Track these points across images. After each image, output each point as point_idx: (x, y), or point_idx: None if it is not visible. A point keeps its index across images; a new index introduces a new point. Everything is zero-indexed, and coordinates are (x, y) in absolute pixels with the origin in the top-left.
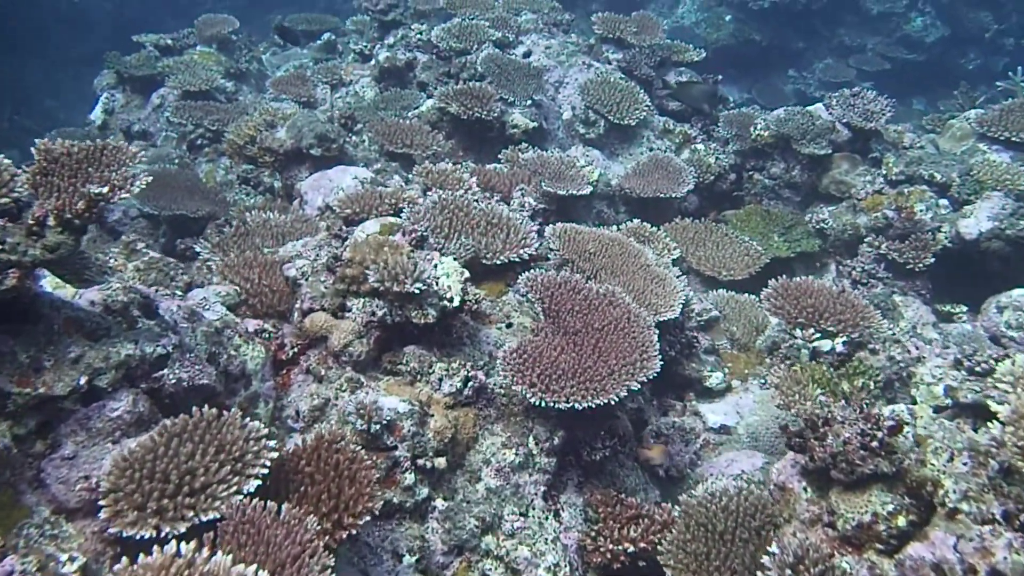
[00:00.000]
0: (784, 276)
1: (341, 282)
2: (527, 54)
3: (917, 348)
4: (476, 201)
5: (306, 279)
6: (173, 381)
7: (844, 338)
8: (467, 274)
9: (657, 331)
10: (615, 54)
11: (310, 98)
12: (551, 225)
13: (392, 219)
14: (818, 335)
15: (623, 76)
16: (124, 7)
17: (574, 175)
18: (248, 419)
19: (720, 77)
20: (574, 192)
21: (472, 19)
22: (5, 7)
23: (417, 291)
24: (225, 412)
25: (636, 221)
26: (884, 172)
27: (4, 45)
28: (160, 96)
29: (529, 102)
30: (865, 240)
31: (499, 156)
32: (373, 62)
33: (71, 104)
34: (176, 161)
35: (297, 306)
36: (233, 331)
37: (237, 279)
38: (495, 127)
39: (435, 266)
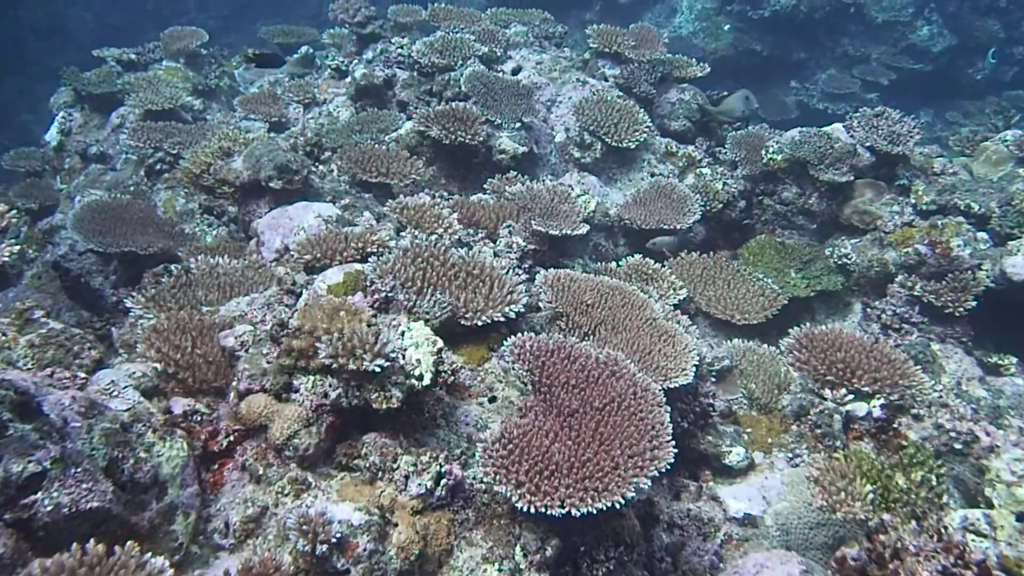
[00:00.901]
0: (806, 322)
1: (287, 356)
2: (516, 70)
3: (989, 435)
4: (455, 247)
5: (246, 350)
6: (49, 508)
7: (881, 400)
8: (440, 343)
9: (667, 402)
10: (612, 70)
11: (281, 118)
12: (542, 272)
13: (358, 266)
14: (851, 396)
15: (621, 94)
16: (104, 17)
17: (568, 211)
18: (150, 555)
19: (727, 93)
20: (568, 232)
21: (456, 32)
22: None
23: (378, 368)
24: (119, 547)
25: (638, 256)
26: (913, 201)
27: None
28: (120, 116)
29: (518, 124)
30: (895, 279)
31: (485, 186)
32: (349, 79)
33: (47, 119)
34: (132, 188)
35: (234, 385)
36: (146, 424)
37: (166, 347)
38: (481, 152)
39: (402, 333)
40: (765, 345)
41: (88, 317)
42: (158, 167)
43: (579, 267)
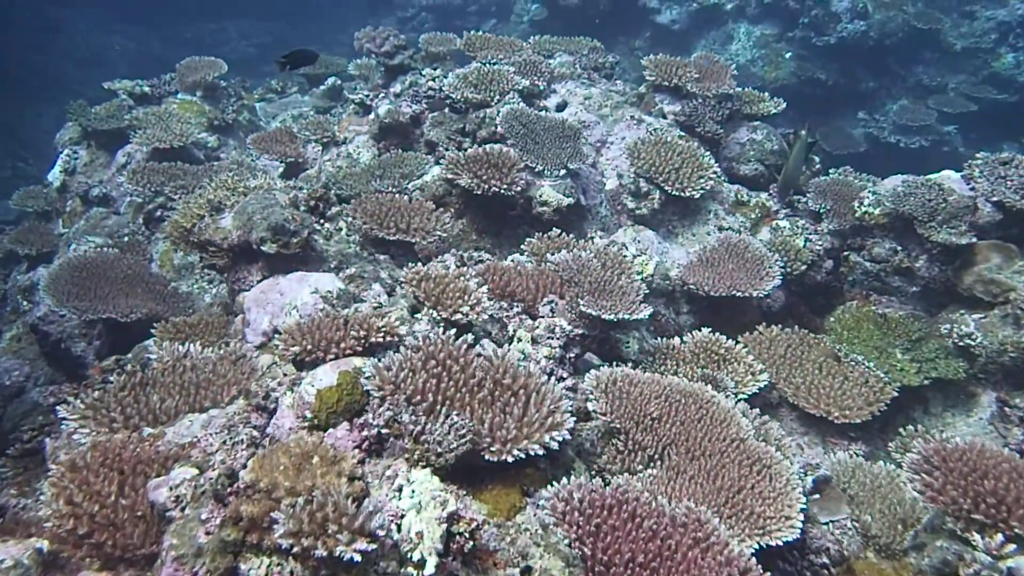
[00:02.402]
0: (918, 418)
1: (232, 526)
2: (562, 106)
3: None
4: (482, 335)
5: (182, 509)
6: None
7: None
8: (452, 504)
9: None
10: (672, 106)
11: (298, 158)
12: (593, 372)
13: (359, 362)
14: (1012, 547)
15: (683, 134)
16: (145, 47)
17: (624, 287)
18: None
19: (804, 132)
20: (625, 316)
21: (494, 63)
22: (18, 54)
23: (358, 557)
24: None
25: (705, 331)
26: None
27: (16, 92)
28: (126, 154)
29: (563, 171)
30: None
31: (523, 246)
32: (372, 116)
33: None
34: (126, 238)
35: (157, 565)
36: None
37: (82, 496)
38: (519, 204)
39: (399, 489)
40: (879, 462)
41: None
42: (158, 214)
43: (635, 342)
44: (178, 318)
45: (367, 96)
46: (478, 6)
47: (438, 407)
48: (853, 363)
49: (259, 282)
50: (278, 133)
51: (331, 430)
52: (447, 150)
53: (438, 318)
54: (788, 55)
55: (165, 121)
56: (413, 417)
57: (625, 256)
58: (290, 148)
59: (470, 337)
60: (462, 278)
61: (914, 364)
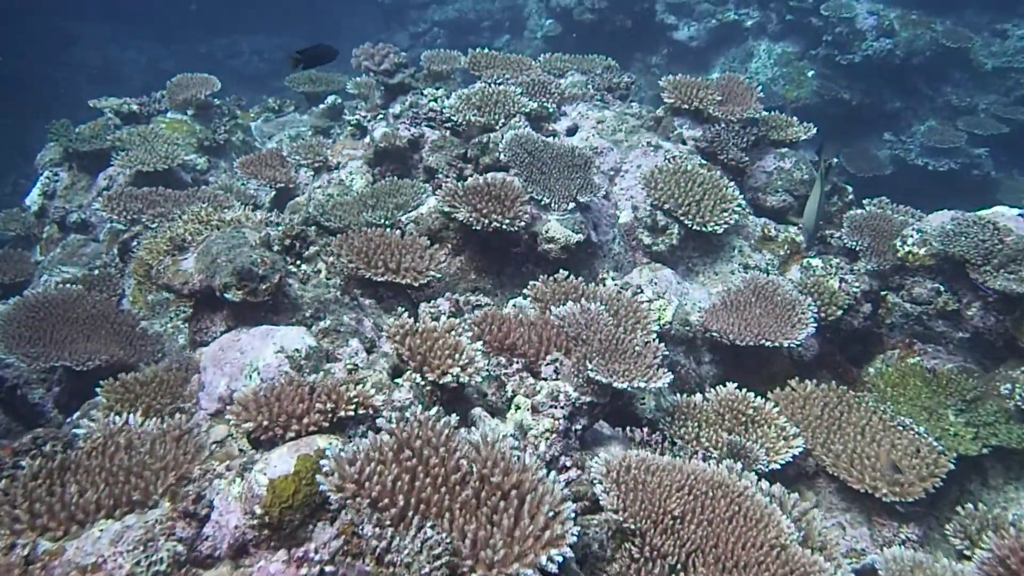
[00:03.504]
0: (975, 491)
1: None
2: (572, 130)
3: None
4: (469, 415)
5: None
6: None
7: None
8: None
9: None
10: (692, 131)
11: (288, 183)
12: (603, 457)
13: (323, 442)
14: None
15: (704, 162)
16: (158, 62)
17: (639, 348)
18: None
19: (836, 160)
20: (640, 385)
21: (500, 83)
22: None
23: None
24: None
25: (730, 386)
26: None
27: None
28: (108, 177)
29: (572, 204)
30: None
31: (526, 290)
32: (368, 139)
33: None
34: (97, 271)
35: None
36: None
37: None
38: (522, 240)
39: None
40: (942, 559)
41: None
42: (134, 244)
43: (651, 399)
44: (129, 375)
45: (364, 117)
46: (491, 21)
47: (410, 514)
48: (901, 427)
49: (222, 333)
50: (268, 156)
51: (262, 564)
52: (447, 177)
53: (423, 383)
54: (811, 73)
55: (150, 142)
56: (377, 530)
57: (641, 304)
58: (280, 172)
59: (454, 419)
60: (453, 332)
61: (970, 429)
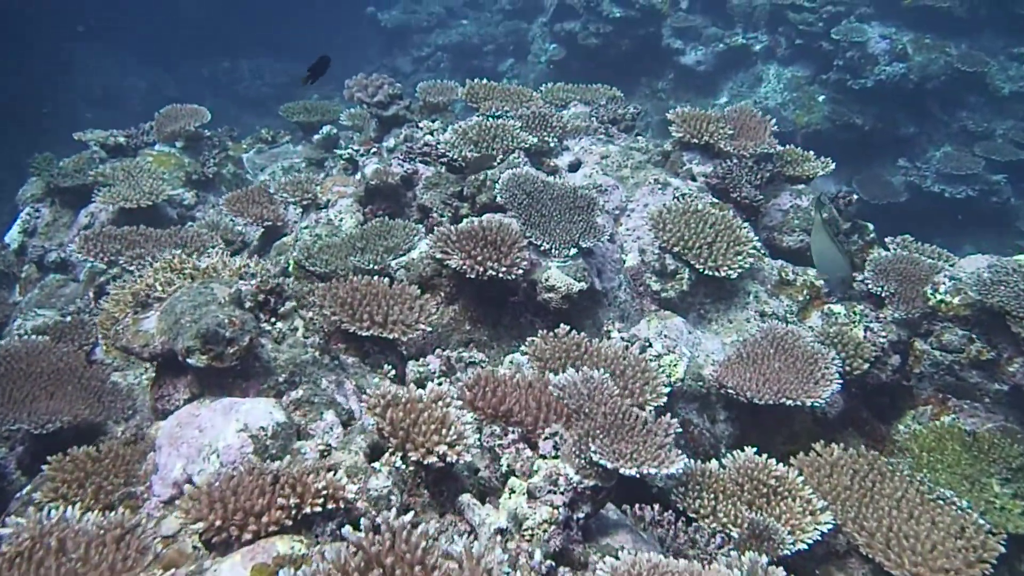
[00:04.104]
0: None
1: None
2: (575, 165)
3: None
4: (453, 514)
5: None
6: None
7: None
8: None
9: None
10: (702, 166)
11: (276, 221)
12: (609, 562)
13: (283, 547)
14: None
15: (716, 200)
16: (160, 87)
17: (648, 424)
18: None
19: (855, 197)
20: (650, 471)
21: (498, 116)
22: (34, 94)
23: None
24: None
25: (749, 451)
26: None
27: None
28: (89, 214)
29: (574, 250)
30: None
31: (524, 347)
32: (359, 176)
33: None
34: (69, 318)
35: None
36: None
37: None
38: (520, 288)
39: None
40: None
41: None
42: (110, 288)
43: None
44: (80, 451)
45: (357, 151)
46: (495, 45)
47: None
48: (942, 501)
49: (186, 402)
50: (255, 192)
51: None
52: (441, 217)
53: (405, 466)
54: (821, 98)
55: (134, 177)
56: None
57: (649, 364)
58: (268, 210)
59: (432, 527)
60: (440, 403)
61: (1018, 502)
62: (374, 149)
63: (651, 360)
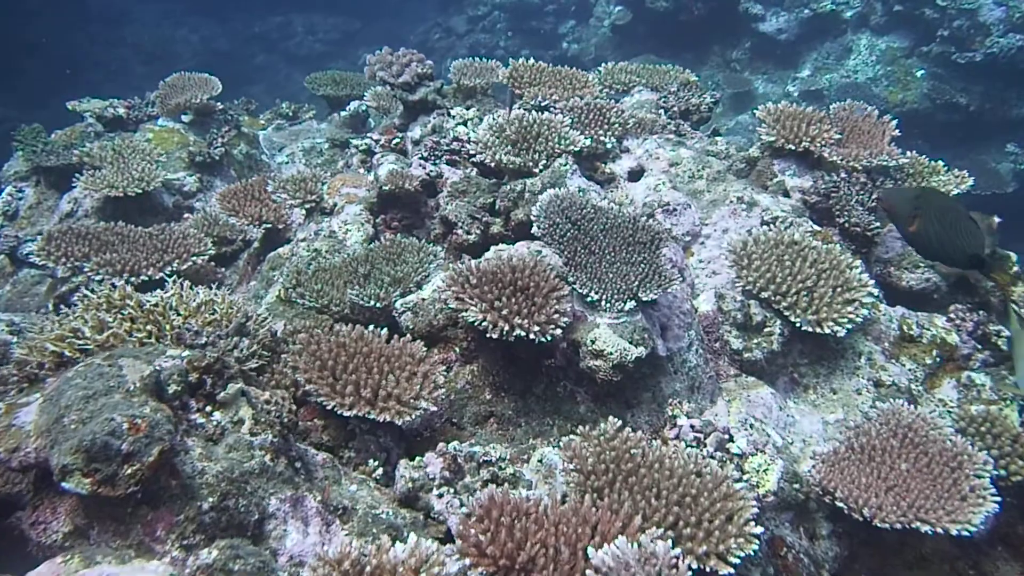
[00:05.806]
0: None
1: None
2: (636, 173)
3: None
4: None
5: None
6: None
7: None
8: None
9: None
10: (799, 179)
11: (277, 223)
12: None
13: None
14: None
15: (816, 226)
16: (211, 42)
17: None
18: None
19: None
20: None
21: (544, 105)
22: (84, 46)
23: None
24: None
25: None
26: None
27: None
28: (72, 200)
29: (631, 303)
30: None
31: (564, 439)
32: (372, 177)
33: None
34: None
35: None
36: None
37: None
38: (558, 350)
39: None
40: None
41: None
42: (74, 299)
43: None
44: None
45: (376, 142)
46: (556, 5)
47: None
48: None
49: (64, 537)
50: (254, 187)
51: None
52: (468, 233)
53: None
54: (920, 73)
55: (125, 158)
56: None
57: (732, 488)
58: (266, 209)
59: None
60: (431, 563)
61: None
62: (396, 139)
63: (733, 470)
